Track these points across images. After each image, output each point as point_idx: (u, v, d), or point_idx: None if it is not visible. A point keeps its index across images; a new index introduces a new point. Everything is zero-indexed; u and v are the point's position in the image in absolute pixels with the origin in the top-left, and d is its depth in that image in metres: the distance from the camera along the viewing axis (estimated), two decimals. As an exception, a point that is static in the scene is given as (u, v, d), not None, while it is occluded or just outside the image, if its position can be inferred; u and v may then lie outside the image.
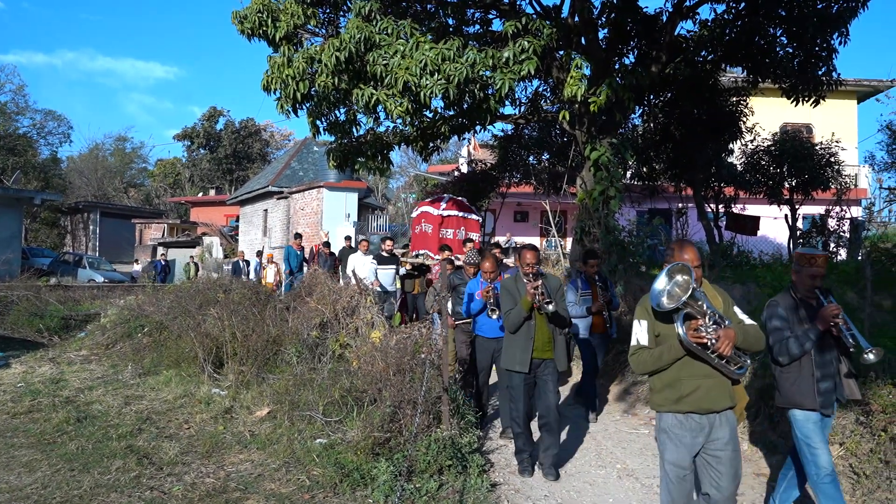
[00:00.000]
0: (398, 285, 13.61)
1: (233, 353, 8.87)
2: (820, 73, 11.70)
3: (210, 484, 5.51)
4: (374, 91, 9.61)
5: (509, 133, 18.77)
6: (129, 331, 11.63)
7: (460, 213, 14.21)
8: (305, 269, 16.87)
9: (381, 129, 12.27)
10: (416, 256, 13.77)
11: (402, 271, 13.39)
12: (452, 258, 11.39)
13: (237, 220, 36.65)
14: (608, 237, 10.77)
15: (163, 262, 27.58)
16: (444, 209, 14.11)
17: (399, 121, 10.43)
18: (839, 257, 16.91)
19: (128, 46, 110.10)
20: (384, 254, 13.27)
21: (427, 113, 11.20)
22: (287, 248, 17.50)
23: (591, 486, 5.92)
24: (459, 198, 15.26)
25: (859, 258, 15.95)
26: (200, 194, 51.51)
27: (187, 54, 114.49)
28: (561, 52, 10.99)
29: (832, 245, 17.23)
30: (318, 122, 11.43)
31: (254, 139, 56.82)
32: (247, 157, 56.24)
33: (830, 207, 17.29)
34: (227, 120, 57.06)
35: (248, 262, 22.00)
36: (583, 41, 11.23)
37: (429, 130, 12.52)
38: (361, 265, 12.95)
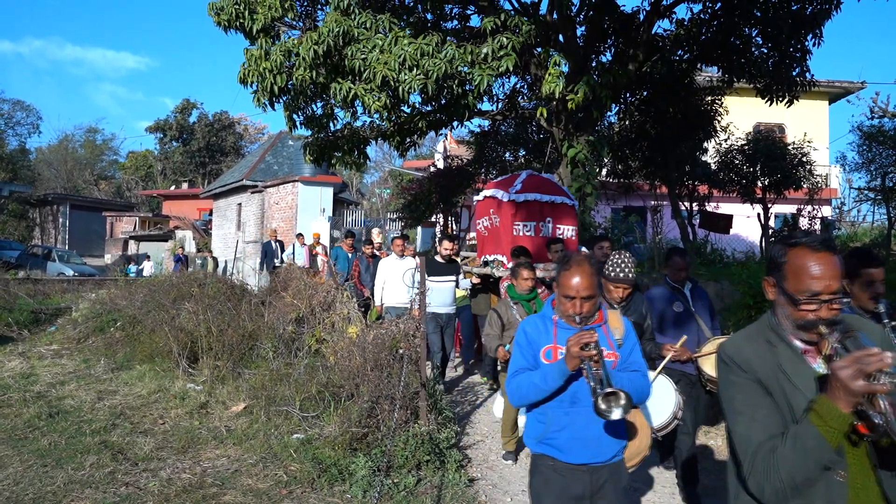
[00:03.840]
0: (465, 293, 9.81)
1: (208, 348, 8.80)
2: (794, 73, 11.87)
3: (186, 479, 5.46)
4: (352, 85, 9.56)
5: (486, 129, 18.81)
6: (102, 325, 11.49)
7: (544, 198, 9.44)
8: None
9: (358, 123, 12.23)
10: (485, 265, 9.45)
11: (467, 283, 9.45)
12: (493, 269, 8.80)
13: (210, 214, 36.30)
14: (584, 234, 10.83)
15: (181, 256, 27.15)
16: (517, 192, 9.31)
17: (376, 116, 10.39)
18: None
19: (98, 35, 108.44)
20: (440, 259, 9.11)
21: (405, 108, 11.17)
22: (336, 249, 13.75)
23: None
24: (544, 174, 10.67)
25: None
26: (173, 187, 50.95)
27: (160, 45, 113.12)
28: (539, 50, 11.02)
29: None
30: (294, 116, 11.37)
31: (227, 132, 56.32)
32: (220, 150, 55.73)
33: (802, 206, 17.61)
34: (200, 113, 56.53)
35: (281, 244, 18.59)
36: (561, 39, 11.26)
37: (406, 126, 12.49)
38: (396, 272, 9.43)
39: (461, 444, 6.70)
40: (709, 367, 4.99)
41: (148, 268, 29.49)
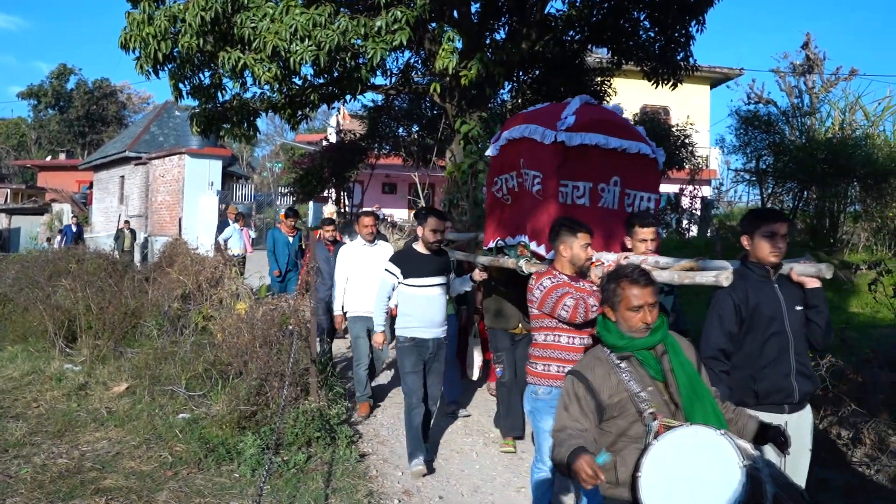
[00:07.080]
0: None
1: (87, 327, 8.41)
2: (679, 57, 12.42)
3: (63, 465, 5.21)
4: (241, 55, 9.28)
5: (379, 104, 18.70)
6: (-33, 304, 10.78)
7: (611, 142, 5.09)
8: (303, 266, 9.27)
9: (248, 94, 11.89)
10: (499, 251, 5.68)
11: (466, 285, 5.93)
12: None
13: (90, 187, 34.55)
14: (477, 210, 10.92)
15: (74, 228, 24.74)
16: (569, 129, 4.96)
17: (267, 87, 10.17)
18: (691, 233, 18.06)
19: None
20: (421, 250, 5.58)
21: (296, 80, 10.94)
22: (272, 231, 10.62)
23: (458, 454, 6.04)
24: (610, 105, 6.17)
25: (709, 234, 17.09)
26: (49, 158, 48.12)
27: (33, 4, 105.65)
28: (433, 25, 10.99)
29: (685, 222, 18.38)
30: (180, 86, 10.92)
31: (109, 101, 53.58)
32: (101, 119, 53.00)
33: (684, 186, 18.42)
34: (79, 79, 53.42)
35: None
36: (455, 14, 11.26)
37: (298, 98, 12.22)
38: (364, 266, 6.76)
39: (352, 419, 6.68)
40: None
41: (58, 241, 27.07)
